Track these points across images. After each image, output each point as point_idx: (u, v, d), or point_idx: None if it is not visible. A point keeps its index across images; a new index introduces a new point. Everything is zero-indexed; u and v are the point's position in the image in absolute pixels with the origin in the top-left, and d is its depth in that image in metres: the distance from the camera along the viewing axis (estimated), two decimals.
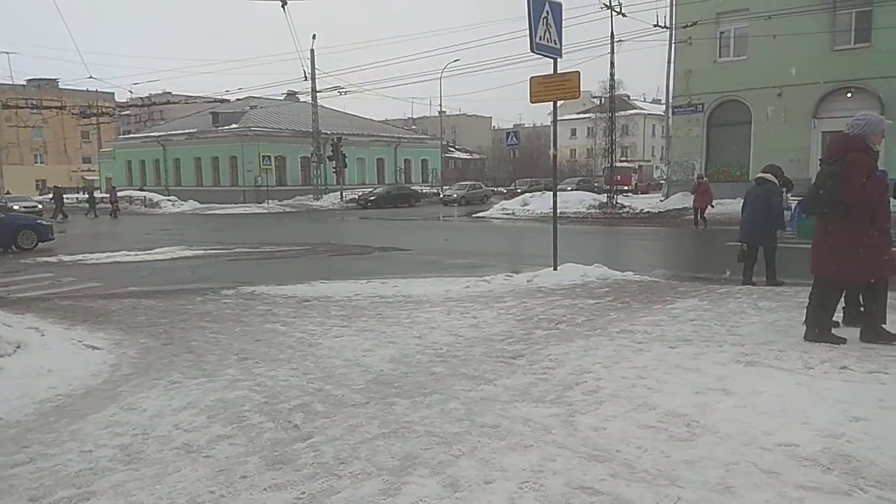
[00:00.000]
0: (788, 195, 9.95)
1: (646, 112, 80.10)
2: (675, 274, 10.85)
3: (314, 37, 38.37)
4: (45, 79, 62.03)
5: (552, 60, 9.77)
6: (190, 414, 4.45)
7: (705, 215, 19.39)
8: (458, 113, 77.61)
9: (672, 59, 27.54)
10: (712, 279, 9.64)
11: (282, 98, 48.51)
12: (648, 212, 25.67)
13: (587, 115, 72.07)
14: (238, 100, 49.20)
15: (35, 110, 44.85)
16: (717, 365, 4.98)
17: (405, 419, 4.09)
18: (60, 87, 60.80)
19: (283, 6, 18.51)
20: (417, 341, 6.31)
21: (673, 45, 27.32)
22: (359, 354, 5.91)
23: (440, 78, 47.34)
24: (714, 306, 7.34)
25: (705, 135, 27.73)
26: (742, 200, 9.55)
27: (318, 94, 35.19)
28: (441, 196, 41.41)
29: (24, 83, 59.00)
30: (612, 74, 28.17)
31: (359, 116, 56.61)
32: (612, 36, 27.05)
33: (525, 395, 4.50)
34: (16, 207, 34.50)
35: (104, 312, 8.71)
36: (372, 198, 38.61)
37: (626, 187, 41.15)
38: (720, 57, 26.93)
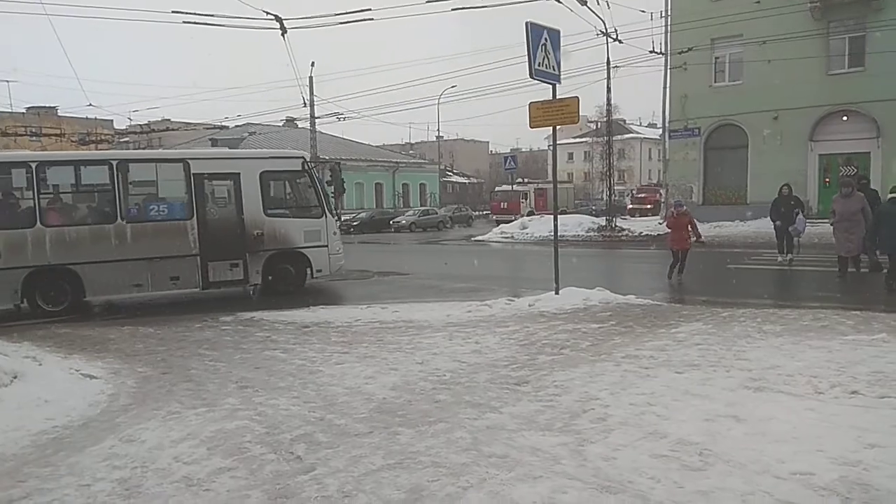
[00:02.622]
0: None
1: (642, 136, 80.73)
2: (677, 297, 10.80)
3: (313, 64, 38.77)
4: (45, 106, 62.30)
5: (551, 86, 9.84)
6: (189, 445, 4.36)
7: (685, 262, 12.38)
8: (455, 138, 78.10)
9: (668, 84, 27.77)
10: (716, 302, 9.59)
11: (280, 124, 48.79)
12: (647, 235, 25.70)
13: (584, 140, 72.60)
14: (237, 126, 49.47)
15: (35, 137, 45.04)
16: (726, 391, 4.91)
17: (410, 449, 4.00)
18: (60, 114, 61.15)
19: (282, 35, 18.67)
20: (420, 368, 6.23)
21: (668, 71, 27.56)
22: (360, 382, 5.82)
23: (437, 103, 47.73)
24: (719, 330, 7.28)
25: (702, 158, 27.85)
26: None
27: (316, 120, 35.42)
28: (391, 222, 39.45)
29: (24, 111, 59.35)
30: (608, 99, 28.34)
31: (357, 142, 56.94)
32: (609, 62, 27.29)
33: (532, 423, 4.42)
34: None
35: (101, 340, 8.62)
36: (355, 223, 38.62)
37: (648, 206, 39.78)
38: (715, 81, 27.15)
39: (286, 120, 47.22)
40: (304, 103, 31.46)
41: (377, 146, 62.76)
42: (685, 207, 13.05)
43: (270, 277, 12.24)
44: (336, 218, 13.18)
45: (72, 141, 43.49)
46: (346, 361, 6.70)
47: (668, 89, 27.96)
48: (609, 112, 30.50)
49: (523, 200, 39.81)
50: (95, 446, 4.40)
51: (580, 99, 9.53)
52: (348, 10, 17.74)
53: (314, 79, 32.68)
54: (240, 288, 12.50)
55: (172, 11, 17.85)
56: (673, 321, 7.99)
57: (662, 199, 31.70)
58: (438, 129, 59.20)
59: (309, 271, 12.57)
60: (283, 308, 10.46)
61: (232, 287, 12.27)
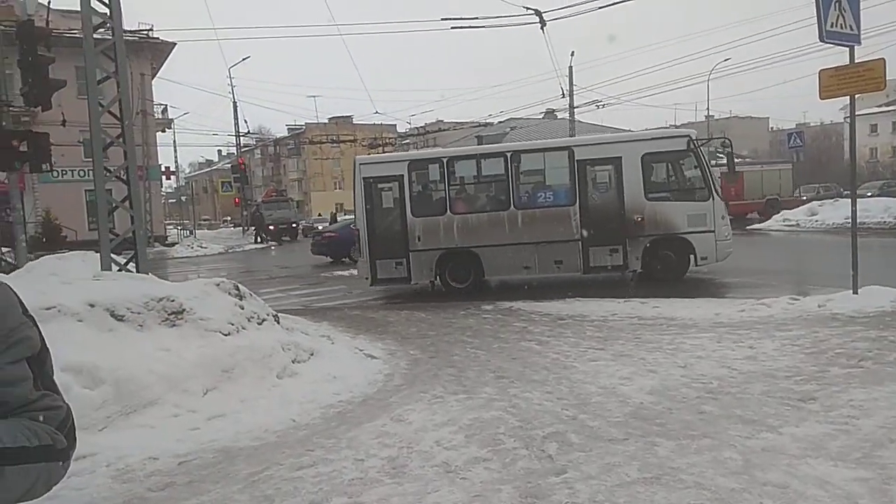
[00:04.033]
0: None
1: None
2: None
3: (572, 54, 38.64)
4: (342, 116, 72.12)
5: (847, 49, 8.33)
6: (450, 431, 4.60)
7: None
8: (728, 116, 71.38)
9: None
10: None
11: (540, 116, 49.60)
12: None
13: (891, 108, 60.86)
14: (500, 122, 51.57)
15: (334, 144, 52.27)
16: None
17: (670, 464, 3.69)
18: (354, 122, 70.14)
19: (541, 28, 18.85)
20: (682, 372, 5.76)
21: None
22: (615, 382, 5.58)
23: (707, 80, 43.98)
24: None
25: None
26: None
27: (574, 110, 35.26)
28: None
29: (326, 121, 69.41)
30: None
31: (617, 128, 55.40)
32: None
33: (820, 449, 3.77)
34: (319, 227, 40.95)
35: (383, 323, 9.62)
36: None
37: None
38: None
39: (545, 112, 47.79)
40: (563, 94, 31.36)
41: (640, 131, 60.24)
42: None
43: (654, 265, 11.89)
44: (724, 200, 12.27)
45: (362, 145, 49.69)
46: (601, 359, 6.49)
47: None
48: None
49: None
50: (371, 423, 4.90)
51: (886, 61, 7.91)
52: None
53: (573, 68, 32.45)
54: (618, 274, 12.35)
55: (442, 19, 19.18)
56: None
57: None
58: (708, 108, 54.45)
59: (692, 258, 11.78)
60: (540, 299, 10.57)
61: (611, 272, 12.17)
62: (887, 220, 22.66)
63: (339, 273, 18.03)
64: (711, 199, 11.69)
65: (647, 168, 11.88)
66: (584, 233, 11.74)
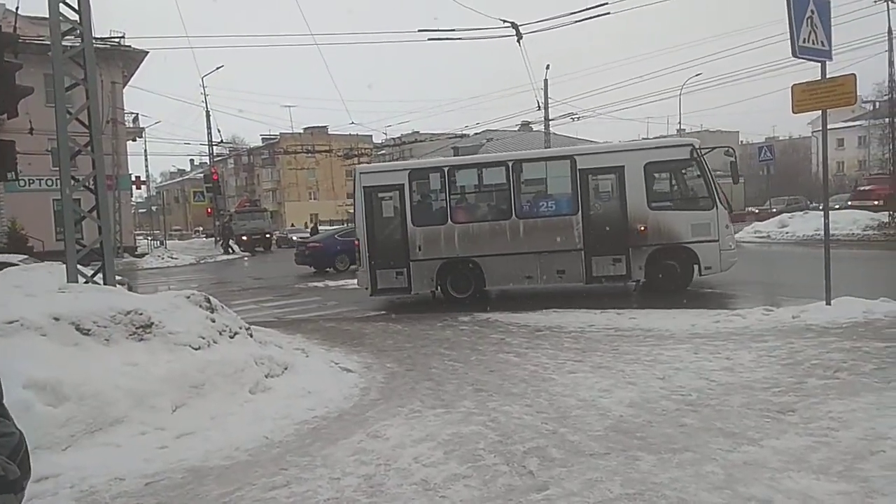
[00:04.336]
0: None
1: None
2: None
3: (548, 67, 38.63)
4: (317, 126, 71.73)
5: (819, 65, 8.49)
6: (428, 447, 4.49)
7: None
8: (699, 129, 72.63)
9: None
10: None
11: (516, 129, 49.92)
12: None
13: (857, 123, 62.53)
14: (476, 134, 51.78)
15: (309, 154, 51.89)
16: None
17: (652, 479, 3.64)
18: (329, 132, 69.79)
19: (518, 41, 18.97)
20: (661, 384, 5.74)
21: None
22: (595, 394, 5.54)
23: (679, 95, 44.70)
24: None
25: None
26: None
27: (550, 122, 35.51)
28: None
29: (301, 131, 69.00)
30: (890, 74, 23.98)
31: (591, 141, 55.99)
32: (890, 31, 23.10)
33: (802, 462, 3.75)
34: (294, 238, 40.65)
35: (359, 335, 9.48)
36: None
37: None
38: None
39: (521, 124, 48.11)
40: (539, 106, 31.58)
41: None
42: None
43: (657, 275, 11.73)
44: (728, 209, 12.13)
45: (338, 156, 49.43)
46: (580, 370, 6.45)
47: None
48: (892, 89, 25.78)
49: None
50: (346, 439, 4.77)
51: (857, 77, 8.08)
52: (585, 7, 17.34)
53: (548, 81, 32.72)
54: (621, 283, 12.23)
55: (419, 30, 19.18)
56: None
57: None
58: (680, 122, 55.34)
59: (696, 268, 11.63)
60: (517, 311, 10.52)
61: (614, 282, 12.03)
62: (856, 231, 23.17)
63: (314, 284, 17.83)
64: (715, 208, 11.59)
65: (650, 177, 11.78)
66: (587, 242, 11.65)
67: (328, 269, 20.67)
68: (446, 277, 12.22)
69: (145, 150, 49.95)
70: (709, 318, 8.80)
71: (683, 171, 12.07)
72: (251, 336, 7.13)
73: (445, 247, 12.06)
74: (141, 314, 5.99)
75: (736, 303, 10.47)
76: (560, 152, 13.91)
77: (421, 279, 12.18)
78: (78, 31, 7.60)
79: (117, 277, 12.34)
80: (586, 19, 17.37)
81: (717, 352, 6.84)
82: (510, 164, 12.23)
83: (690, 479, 3.59)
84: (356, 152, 49.66)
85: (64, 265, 7.56)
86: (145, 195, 64.69)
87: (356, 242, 12.72)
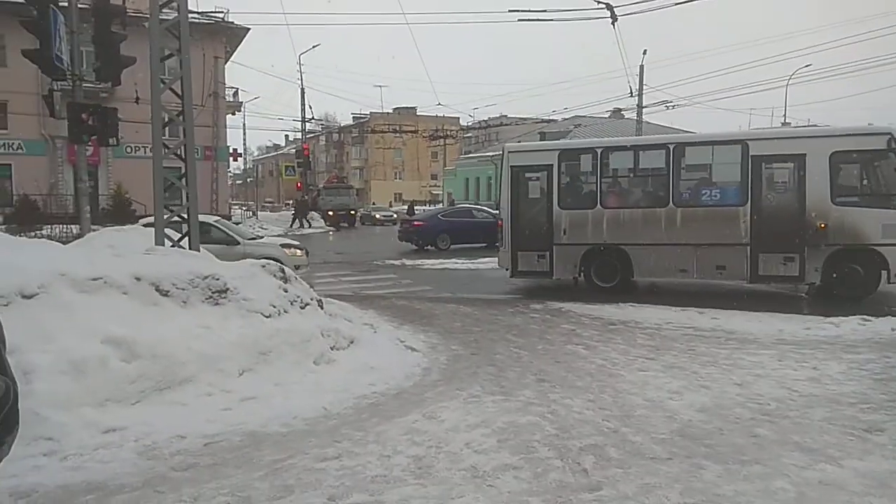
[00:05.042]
0: None
1: None
2: None
3: (644, 52, 37.21)
4: (406, 107, 72.57)
5: None
6: (482, 433, 4.42)
7: None
8: (805, 124, 68.23)
9: None
10: None
11: (606, 116, 48.53)
12: None
13: None
14: (564, 119, 50.77)
15: (396, 134, 52.58)
16: None
17: (715, 490, 3.40)
18: (417, 113, 70.45)
19: (612, 23, 18.30)
20: (738, 390, 5.39)
21: None
22: (664, 395, 5.27)
23: (786, 85, 41.96)
24: None
25: None
26: None
27: (643, 110, 34.24)
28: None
29: (391, 111, 70.00)
30: None
31: (685, 131, 53.67)
32: None
33: (886, 488, 3.41)
34: (377, 216, 41.50)
35: (428, 315, 9.50)
36: None
37: None
38: None
39: (612, 111, 46.71)
40: (632, 93, 30.49)
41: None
42: None
43: (835, 279, 10.42)
44: None
45: (423, 137, 49.78)
46: (650, 369, 6.17)
47: None
48: None
49: None
50: (402, 418, 4.76)
51: None
52: None
53: (644, 67, 31.49)
54: (792, 285, 11.23)
55: (509, 10, 18.90)
56: None
57: None
58: (785, 115, 52.08)
59: (885, 274, 10.20)
60: (592, 301, 10.23)
61: (783, 283, 11.07)
62: None
63: (392, 262, 18.06)
64: None
65: (835, 168, 10.47)
66: (755, 237, 10.61)
67: (428, 247, 20.94)
68: (591, 264, 11.73)
69: (244, 124, 52.44)
70: (798, 323, 8.24)
71: (876, 164, 10.56)
72: (321, 308, 7.26)
73: (593, 232, 11.61)
74: (218, 279, 6.20)
75: (829, 309, 9.66)
76: (731, 136, 12.53)
77: (564, 264, 11.80)
78: (175, 3, 7.89)
79: (293, 242, 12.80)
80: (686, 1, 16.51)
81: (803, 360, 6.38)
82: (671, 147, 11.42)
83: (757, 494, 3.33)
84: (442, 133, 49.76)
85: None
86: (242, 167, 67.66)
87: (499, 223, 12.53)
